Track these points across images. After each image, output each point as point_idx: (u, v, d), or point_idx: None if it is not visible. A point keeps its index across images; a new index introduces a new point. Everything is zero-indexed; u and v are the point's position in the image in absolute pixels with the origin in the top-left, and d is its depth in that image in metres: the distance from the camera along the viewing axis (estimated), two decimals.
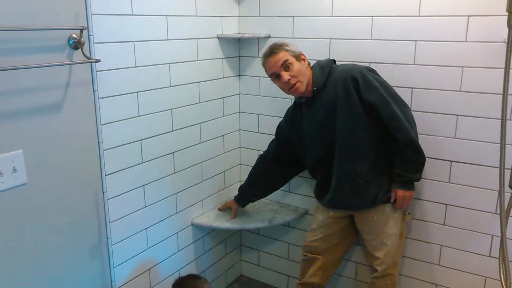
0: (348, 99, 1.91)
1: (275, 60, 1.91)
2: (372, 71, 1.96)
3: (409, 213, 2.11)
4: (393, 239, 2.03)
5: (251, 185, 2.37)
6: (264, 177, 2.34)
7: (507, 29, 1.41)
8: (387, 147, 1.97)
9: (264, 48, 2.00)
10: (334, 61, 2.05)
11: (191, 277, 1.95)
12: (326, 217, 2.17)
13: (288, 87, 1.93)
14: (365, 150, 1.97)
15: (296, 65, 1.91)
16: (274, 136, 2.29)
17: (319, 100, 1.99)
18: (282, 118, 2.24)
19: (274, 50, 1.92)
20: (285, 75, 1.90)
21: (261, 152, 2.55)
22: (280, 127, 2.24)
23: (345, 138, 1.96)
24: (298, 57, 1.94)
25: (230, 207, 2.47)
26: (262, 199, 2.56)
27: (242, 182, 2.73)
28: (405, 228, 2.13)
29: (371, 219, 2.05)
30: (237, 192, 2.45)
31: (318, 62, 2.03)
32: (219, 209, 2.51)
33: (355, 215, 2.13)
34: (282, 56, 1.90)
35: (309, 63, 2.01)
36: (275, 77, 1.94)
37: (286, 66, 1.90)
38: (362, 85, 1.89)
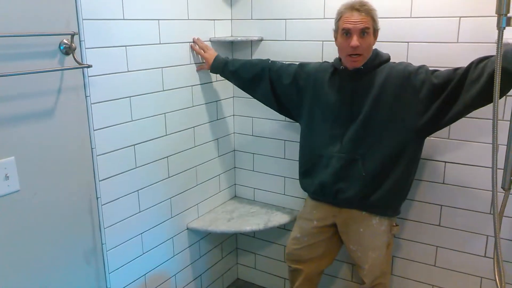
0: (396, 94, 1.80)
1: (359, 18, 1.73)
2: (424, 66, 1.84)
3: (397, 225, 2.02)
4: (378, 252, 1.96)
5: (237, 64, 2.20)
6: (251, 69, 2.15)
7: (497, 31, 1.42)
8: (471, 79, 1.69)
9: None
10: (389, 58, 1.91)
11: None
12: (310, 226, 2.08)
13: (350, 52, 1.79)
14: (383, 147, 1.85)
15: (370, 39, 1.78)
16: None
17: (359, 79, 1.86)
18: (310, 65, 2.06)
19: (363, 8, 1.74)
20: (356, 41, 1.75)
21: (256, 155, 2.55)
22: (302, 68, 2.05)
23: (366, 127, 1.85)
24: (376, 31, 1.81)
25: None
26: (257, 202, 2.56)
27: (237, 185, 2.73)
28: (392, 239, 2.05)
29: (357, 230, 1.97)
30: None
31: (377, 50, 1.90)
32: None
33: (339, 224, 2.04)
34: (368, 21, 1.74)
35: None
36: (345, 33, 1.77)
37: (364, 32, 1.75)
38: (420, 77, 1.77)
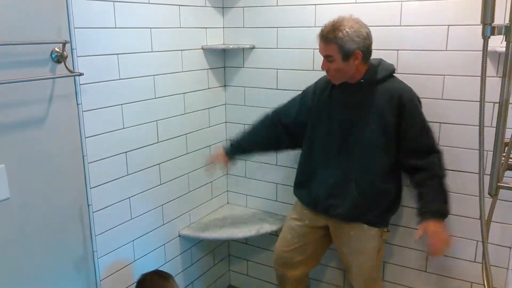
0: (386, 114, 1.84)
1: (322, 47, 1.81)
2: (420, 102, 1.90)
3: (388, 230, 2.02)
4: (368, 256, 1.98)
5: (246, 136, 2.21)
6: (262, 131, 2.17)
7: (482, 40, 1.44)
8: (409, 179, 1.92)
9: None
10: (394, 70, 1.94)
11: (156, 274, 1.90)
12: (302, 225, 2.09)
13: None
14: (376, 165, 1.88)
15: (336, 64, 1.80)
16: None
17: (357, 94, 1.88)
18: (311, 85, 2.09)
19: (326, 37, 1.78)
20: (324, 65, 1.84)
21: (249, 162, 2.56)
22: (307, 90, 2.08)
23: (362, 145, 1.88)
24: (348, 55, 1.77)
25: (218, 160, 2.23)
26: (249, 209, 2.57)
27: (229, 192, 2.74)
28: (383, 245, 2.05)
29: (347, 233, 1.99)
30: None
31: (382, 60, 1.92)
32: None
33: (331, 226, 2.05)
34: (329, 49, 1.78)
35: (365, 59, 1.83)
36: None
37: (328, 59, 1.81)
38: (407, 112, 1.83)
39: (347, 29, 1.74)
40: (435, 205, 1.82)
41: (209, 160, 2.31)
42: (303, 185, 2.08)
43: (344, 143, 1.92)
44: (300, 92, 2.12)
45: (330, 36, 1.76)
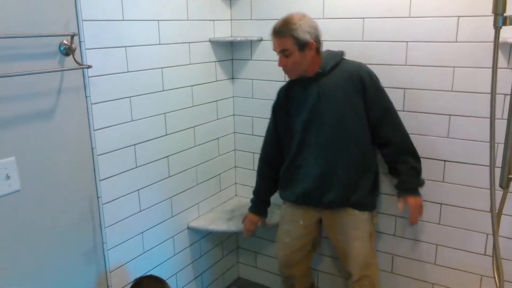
0: (350, 94, 1.91)
1: (277, 43, 1.87)
2: (376, 77, 1.98)
3: (376, 214, 2.11)
4: (362, 241, 2.02)
5: (262, 187, 2.27)
6: (271, 173, 2.20)
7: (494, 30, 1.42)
8: (381, 153, 2.03)
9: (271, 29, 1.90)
10: (343, 53, 2.01)
11: (151, 278, 1.88)
12: (297, 227, 2.13)
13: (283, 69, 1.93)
14: (352, 143, 1.95)
15: (293, 57, 1.86)
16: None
17: (319, 84, 1.94)
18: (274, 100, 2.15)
19: (280, 31, 1.84)
20: (281, 61, 1.89)
21: (256, 155, 2.55)
22: (274, 107, 2.13)
23: (337, 129, 1.94)
24: (303, 45, 1.83)
25: (252, 223, 2.28)
26: None
27: (237, 185, 2.74)
28: (374, 229, 2.11)
29: (340, 221, 2.03)
30: (249, 203, 2.33)
31: (329, 50, 2.02)
32: (247, 236, 2.32)
33: (324, 218, 2.10)
34: (284, 43, 1.84)
35: (318, 50, 1.92)
36: (277, 53, 1.90)
37: (284, 53, 1.86)
38: (369, 86, 1.91)
39: (298, 22, 1.82)
40: (413, 182, 2.00)
41: (246, 231, 2.29)
42: (287, 185, 2.11)
43: (320, 134, 1.96)
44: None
45: (284, 30, 1.83)
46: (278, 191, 2.20)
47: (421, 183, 2.03)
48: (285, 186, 2.14)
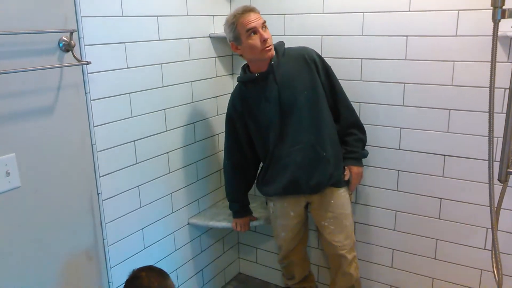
0: (309, 75, 1.97)
1: (256, 16, 1.87)
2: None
3: (351, 193, 2.19)
4: (349, 219, 2.12)
5: (236, 191, 2.29)
6: (241, 178, 2.25)
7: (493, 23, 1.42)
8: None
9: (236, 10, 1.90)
10: (284, 43, 2.06)
11: (152, 270, 1.66)
12: (290, 219, 2.16)
13: (264, 46, 1.87)
14: (325, 122, 2.00)
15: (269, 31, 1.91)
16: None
17: (274, 75, 1.96)
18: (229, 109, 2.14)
19: (253, 8, 1.90)
20: (266, 33, 1.87)
21: None
22: (231, 116, 2.12)
23: (307, 111, 1.97)
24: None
25: (244, 224, 2.34)
26: (258, 197, 2.58)
27: None
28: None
29: (328, 202, 2.08)
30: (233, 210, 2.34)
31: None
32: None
33: (312, 203, 2.13)
34: (261, 17, 1.89)
35: None
36: (252, 32, 1.86)
37: (264, 27, 1.88)
38: (320, 65, 1.99)
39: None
40: (359, 152, 2.11)
41: (242, 231, 2.36)
42: (273, 179, 2.09)
43: (296, 120, 1.98)
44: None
45: (255, 9, 1.90)
46: (261, 189, 2.19)
47: (365, 154, 2.16)
48: (267, 182, 2.13)
